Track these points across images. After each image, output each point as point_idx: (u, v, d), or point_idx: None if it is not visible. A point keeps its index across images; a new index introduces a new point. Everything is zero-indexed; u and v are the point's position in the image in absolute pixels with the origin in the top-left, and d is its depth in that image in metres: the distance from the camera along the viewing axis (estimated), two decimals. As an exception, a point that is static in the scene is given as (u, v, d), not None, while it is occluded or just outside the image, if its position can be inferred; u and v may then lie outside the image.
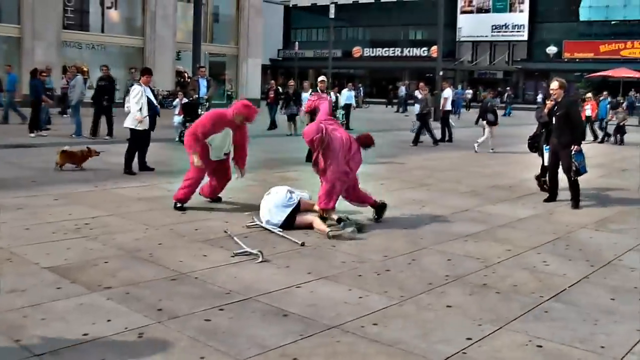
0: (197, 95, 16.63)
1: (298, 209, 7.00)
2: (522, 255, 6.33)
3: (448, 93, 20.66)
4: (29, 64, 24.46)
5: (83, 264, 5.41)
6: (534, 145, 10.44)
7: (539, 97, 45.22)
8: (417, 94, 20.50)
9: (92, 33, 31.04)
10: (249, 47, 36.44)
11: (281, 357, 3.75)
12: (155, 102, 11.35)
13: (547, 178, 9.69)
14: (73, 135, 16.05)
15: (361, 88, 46.97)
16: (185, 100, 16.60)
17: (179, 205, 7.92)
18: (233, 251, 5.94)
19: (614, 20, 52.14)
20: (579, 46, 53.29)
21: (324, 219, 6.98)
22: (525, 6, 56.38)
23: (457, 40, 57.45)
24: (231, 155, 8.24)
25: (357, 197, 7.58)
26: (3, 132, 16.88)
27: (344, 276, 5.41)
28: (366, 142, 7.55)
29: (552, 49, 53.35)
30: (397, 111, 39.98)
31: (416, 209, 8.52)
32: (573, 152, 8.81)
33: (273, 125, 21.32)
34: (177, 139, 15.86)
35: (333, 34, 48.93)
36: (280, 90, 23.19)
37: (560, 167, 9.18)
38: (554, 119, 9.14)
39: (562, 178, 9.29)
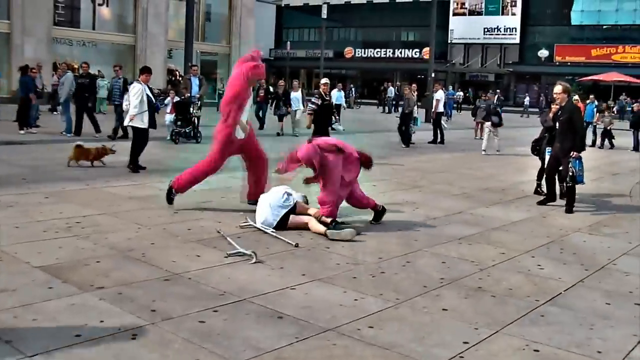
0: (189, 94, 16.56)
1: (293, 211, 6.96)
2: (517, 258, 6.32)
3: (440, 95, 20.67)
4: (18, 60, 24.31)
5: (75, 264, 5.34)
6: (536, 148, 10.31)
7: (526, 100, 45.48)
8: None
9: (83, 30, 30.88)
10: (240, 46, 36.34)
11: (277, 360, 3.72)
12: (154, 99, 11.41)
13: (542, 182, 9.62)
14: (63, 133, 15.94)
15: (352, 89, 46.99)
16: (177, 98, 16.53)
17: (173, 195, 7.89)
18: (226, 252, 5.89)
19: (605, 25, 52.43)
20: (571, 50, 53.55)
21: (320, 221, 6.92)
22: (518, 9, 56.56)
23: (449, 42, 57.54)
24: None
25: (358, 200, 7.54)
26: (-8, 128, 16.74)
27: (338, 278, 5.37)
28: (366, 162, 7.51)
29: (543, 53, 53.67)
30: (383, 111, 40.10)
31: (409, 211, 8.49)
32: (571, 159, 8.71)
33: (262, 124, 21.24)
34: (168, 138, 15.80)
35: (325, 34, 48.85)
36: (271, 89, 23.12)
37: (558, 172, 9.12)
38: (557, 123, 9.04)
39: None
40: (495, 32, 57.33)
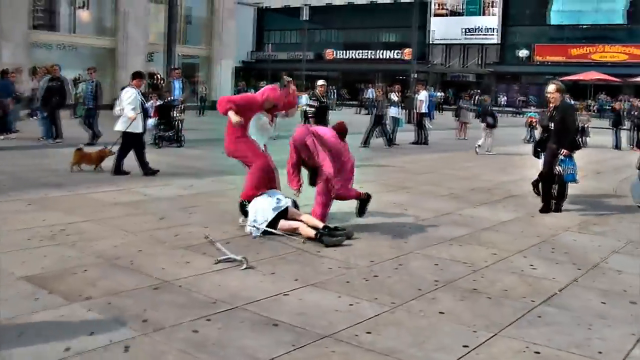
0: (171, 97, 16.39)
1: (285, 215, 6.86)
2: (509, 259, 6.27)
3: (423, 96, 20.68)
4: (-5, 65, 23.87)
5: (61, 273, 5.19)
6: (538, 150, 9.51)
7: (503, 100, 45.78)
8: (393, 96, 20.54)
9: (63, 34, 30.48)
10: (221, 49, 36.17)
11: (274, 369, 3.62)
12: (146, 104, 11.45)
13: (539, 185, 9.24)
14: (42, 138, 15.67)
15: (334, 90, 46.94)
16: (159, 102, 16.34)
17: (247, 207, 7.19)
18: (216, 258, 5.77)
19: (584, 25, 52.90)
20: (550, 50, 53.95)
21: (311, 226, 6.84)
22: (497, 10, 56.85)
23: (429, 43, 57.74)
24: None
25: (345, 189, 7.49)
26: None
27: (331, 283, 5.28)
28: (340, 129, 7.59)
29: (523, 52, 54.11)
30: (358, 112, 40.16)
31: (398, 213, 8.42)
32: (561, 157, 8.56)
33: None
34: (151, 142, 15.59)
35: (306, 36, 48.81)
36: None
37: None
38: (551, 124, 8.76)
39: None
40: (476, 33, 57.57)
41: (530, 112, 23.23)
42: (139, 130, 10.92)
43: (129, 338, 3.92)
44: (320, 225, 6.77)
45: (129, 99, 10.66)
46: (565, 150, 8.55)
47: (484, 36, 57.35)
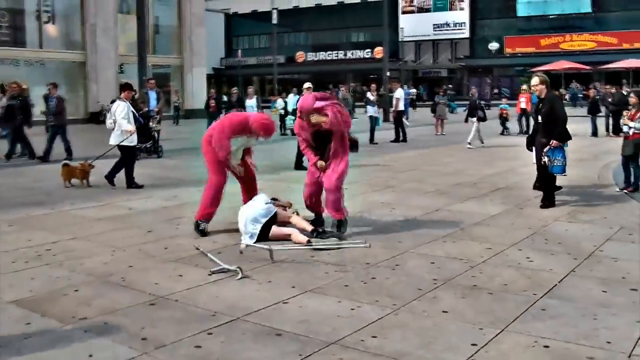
0: (147, 108, 16.15)
1: (274, 220, 6.75)
2: (504, 252, 6.24)
3: (400, 93, 20.68)
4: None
5: (52, 294, 5.02)
6: (532, 143, 9.19)
7: (475, 93, 45.92)
8: (369, 95, 20.55)
9: (30, 49, 30.03)
10: (193, 57, 35.95)
11: (283, 381, 3.52)
12: (137, 115, 11.39)
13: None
14: (15, 156, 15.31)
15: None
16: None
17: (201, 227, 7.13)
18: (210, 269, 5.64)
19: (552, 15, 53.51)
20: (520, 41, 54.50)
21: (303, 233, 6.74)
22: (465, 4, 57.25)
23: (399, 40, 57.90)
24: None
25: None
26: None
27: (330, 287, 5.19)
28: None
29: (493, 45, 54.56)
30: None
31: (387, 212, 8.37)
32: (550, 148, 8.37)
33: None
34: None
35: (275, 39, 48.67)
36: (225, 98, 22.85)
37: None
38: (539, 117, 8.66)
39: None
40: (445, 28, 57.94)
41: (502, 104, 23.32)
42: (134, 143, 10.86)
43: (130, 358, 3.79)
44: (309, 228, 6.71)
45: (122, 112, 10.54)
46: (555, 141, 8.39)
47: (454, 31, 57.73)
